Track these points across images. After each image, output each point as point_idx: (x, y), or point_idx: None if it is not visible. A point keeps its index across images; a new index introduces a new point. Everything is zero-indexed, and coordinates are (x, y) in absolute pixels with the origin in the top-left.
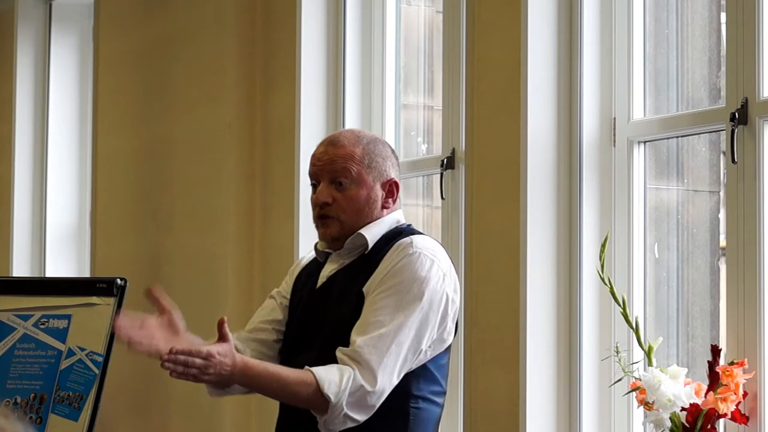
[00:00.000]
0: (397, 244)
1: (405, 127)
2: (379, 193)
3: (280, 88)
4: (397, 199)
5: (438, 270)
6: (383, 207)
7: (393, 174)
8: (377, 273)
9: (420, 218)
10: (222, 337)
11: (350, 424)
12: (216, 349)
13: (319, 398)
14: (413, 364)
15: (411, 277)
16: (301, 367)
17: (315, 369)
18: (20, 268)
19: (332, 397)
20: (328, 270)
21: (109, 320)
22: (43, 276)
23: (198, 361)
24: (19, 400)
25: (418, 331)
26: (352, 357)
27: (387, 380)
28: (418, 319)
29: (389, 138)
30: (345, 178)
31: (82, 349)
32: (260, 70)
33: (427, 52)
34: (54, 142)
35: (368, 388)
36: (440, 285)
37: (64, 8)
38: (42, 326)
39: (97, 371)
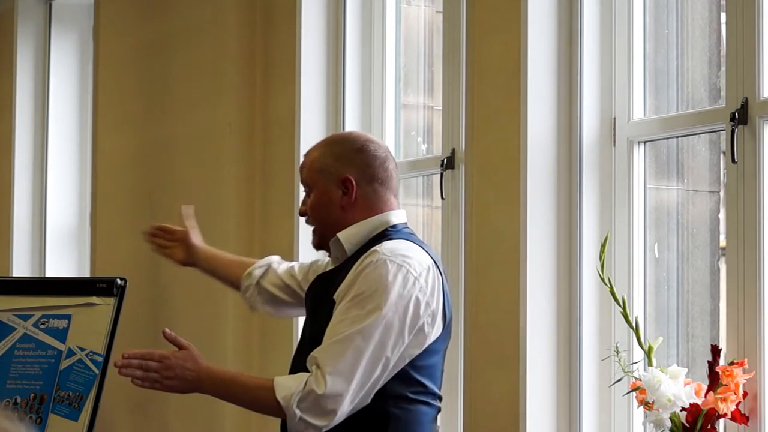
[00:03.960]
0: (368, 251)
1: (405, 127)
2: (336, 193)
3: (280, 88)
4: (359, 197)
5: (406, 274)
6: (342, 207)
7: (349, 172)
8: (345, 281)
9: (420, 218)
10: (179, 347)
11: (313, 431)
12: (172, 352)
13: (274, 402)
14: (390, 370)
15: (373, 285)
16: (299, 367)
17: (278, 377)
18: (20, 268)
19: (282, 402)
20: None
21: (110, 320)
22: (43, 276)
23: (153, 363)
24: (19, 400)
25: (381, 337)
26: (310, 363)
27: (340, 384)
28: (381, 324)
29: (389, 138)
30: (307, 187)
31: (82, 349)
32: (260, 70)
33: (427, 52)
34: (54, 142)
35: (318, 391)
36: (407, 290)
37: (64, 8)
38: (42, 326)
39: (97, 371)
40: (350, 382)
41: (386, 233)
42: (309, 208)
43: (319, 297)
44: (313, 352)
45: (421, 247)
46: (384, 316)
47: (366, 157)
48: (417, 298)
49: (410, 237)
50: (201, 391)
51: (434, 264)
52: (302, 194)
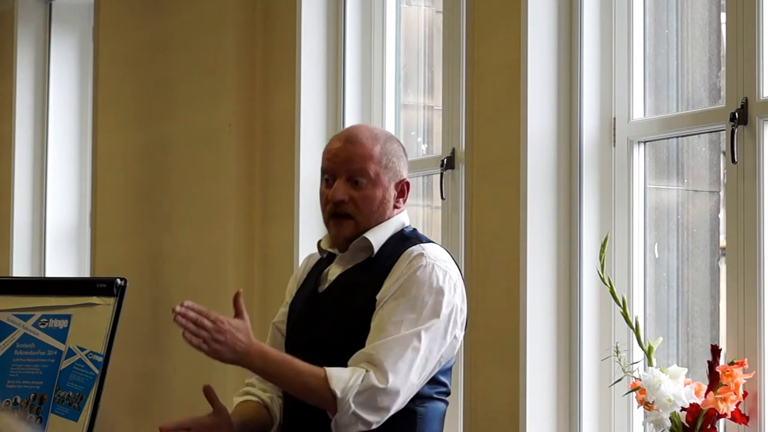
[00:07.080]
0: (408, 252)
1: (405, 127)
2: (392, 193)
3: (280, 88)
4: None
5: (450, 281)
6: (394, 207)
7: (405, 174)
8: (389, 282)
9: (420, 218)
10: (238, 313)
11: (362, 427)
12: (227, 318)
13: (327, 393)
14: (430, 374)
15: (427, 290)
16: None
17: (329, 368)
18: (20, 268)
19: (338, 393)
20: (332, 272)
21: (109, 320)
22: (43, 276)
23: (207, 323)
24: (19, 400)
25: (430, 343)
26: (366, 359)
27: (400, 382)
28: (434, 329)
29: None
30: (362, 178)
31: (82, 349)
32: (260, 70)
33: (427, 52)
34: (54, 142)
35: (379, 385)
36: (452, 296)
37: (64, 8)
38: (42, 326)
39: (97, 371)
40: (407, 382)
41: (404, 233)
42: (360, 198)
43: (348, 295)
44: (368, 349)
45: (447, 251)
46: (440, 321)
47: (407, 160)
48: (456, 305)
49: (432, 241)
50: (248, 365)
51: (458, 269)
52: (302, 194)
